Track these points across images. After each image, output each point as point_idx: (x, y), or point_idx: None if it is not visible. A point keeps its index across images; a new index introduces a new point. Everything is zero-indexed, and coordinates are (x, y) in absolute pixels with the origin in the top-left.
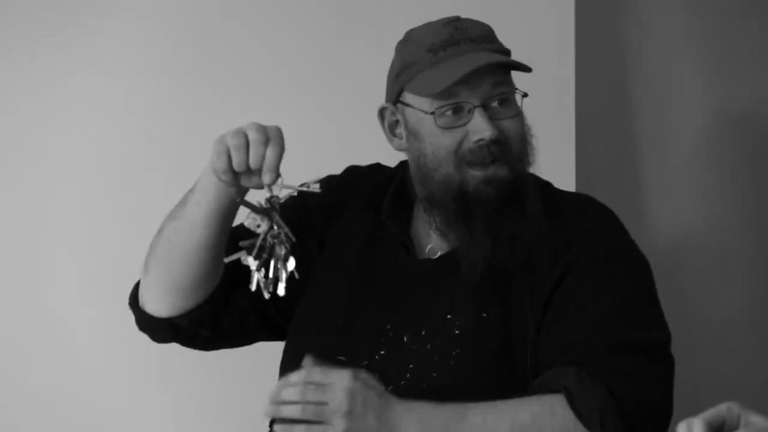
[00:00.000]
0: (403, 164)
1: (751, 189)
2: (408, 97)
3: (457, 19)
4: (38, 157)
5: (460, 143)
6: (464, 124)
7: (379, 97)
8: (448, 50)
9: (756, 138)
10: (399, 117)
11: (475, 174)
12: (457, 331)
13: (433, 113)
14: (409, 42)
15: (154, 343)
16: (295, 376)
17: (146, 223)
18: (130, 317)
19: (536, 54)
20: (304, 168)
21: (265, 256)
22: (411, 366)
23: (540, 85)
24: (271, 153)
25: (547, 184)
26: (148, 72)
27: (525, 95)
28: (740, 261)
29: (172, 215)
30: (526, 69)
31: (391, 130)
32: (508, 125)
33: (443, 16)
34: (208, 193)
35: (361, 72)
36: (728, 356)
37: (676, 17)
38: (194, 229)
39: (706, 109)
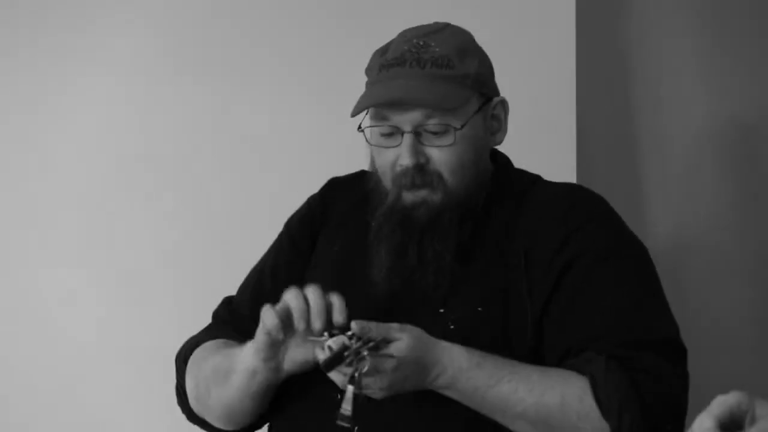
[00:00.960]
0: None
1: (750, 189)
2: None
3: (432, 32)
4: (37, 155)
5: (393, 165)
6: (396, 147)
7: None
8: (391, 71)
9: (756, 138)
10: None
11: (407, 195)
12: (452, 326)
13: (362, 129)
14: (378, 51)
15: (153, 343)
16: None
17: (146, 223)
18: (129, 318)
19: (537, 54)
20: (305, 166)
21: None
22: None
23: (541, 86)
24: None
25: (538, 178)
26: (149, 71)
27: (462, 127)
28: (740, 261)
29: (217, 383)
30: (446, 106)
31: None
32: (438, 154)
33: (444, 17)
34: (247, 382)
35: (362, 72)
36: (728, 356)
37: (676, 17)
38: (243, 403)
39: (707, 109)
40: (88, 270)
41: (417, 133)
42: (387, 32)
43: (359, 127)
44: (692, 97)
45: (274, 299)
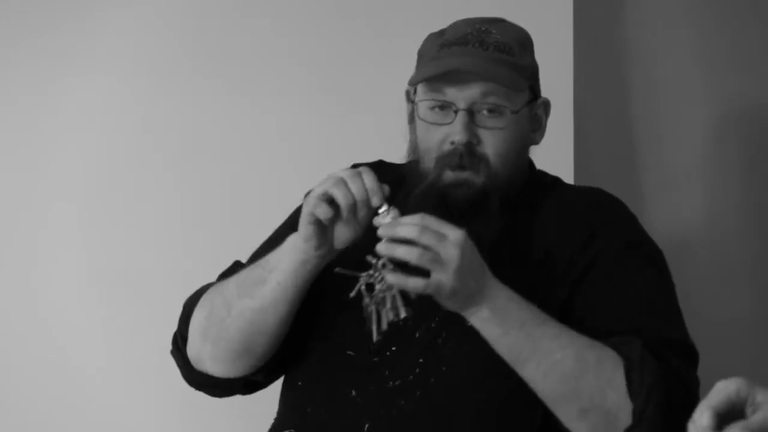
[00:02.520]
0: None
1: (751, 187)
2: (417, 85)
3: (492, 21)
4: (38, 156)
5: (441, 143)
6: (447, 124)
7: (383, 97)
8: (452, 48)
9: (756, 136)
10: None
11: (449, 174)
12: (469, 324)
13: (415, 103)
14: (435, 34)
15: (154, 344)
16: (410, 218)
17: (149, 222)
18: (130, 318)
19: (534, 54)
20: (311, 166)
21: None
22: (420, 360)
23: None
24: (367, 179)
25: (557, 180)
26: (153, 70)
27: (516, 111)
28: (741, 260)
29: (244, 293)
30: (508, 86)
31: (410, 116)
32: (489, 136)
33: (442, 17)
34: (294, 273)
35: (368, 71)
36: (730, 355)
37: (674, 17)
38: (277, 308)
39: (706, 108)
40: (89, 269)
41: (470, 112)
42: (390, 32)
43: (408, 98)
44: (692, 95)
45: None
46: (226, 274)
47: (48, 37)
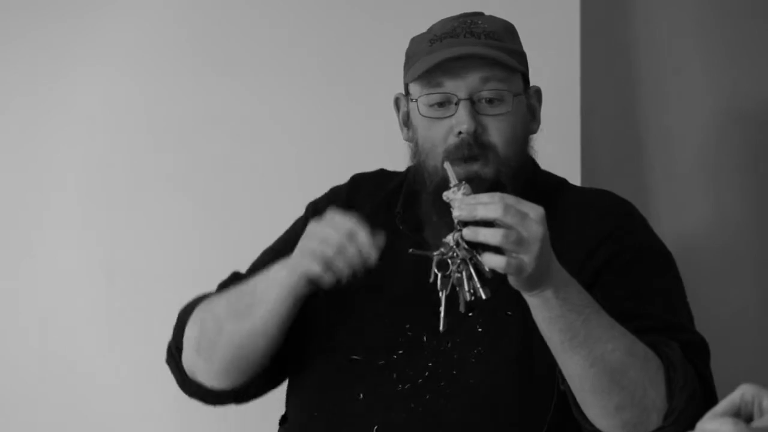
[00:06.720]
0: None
1: (758, 187)
2: (409, 87)
3: (475, 14)
4: (38, 155)
5: (446, 137)
6: (449, 117)
7: (384, 97)
8: (444, 41)
9: (764, 135)
10: (407, 107)
11: (457, 170)
12: (479, 329)
13: (415, 100)
14: (419, 36)
15: (155, 344)
16: (487, 196)
17: (152, 221)
18: (130, 317)
19: (541, 51)
20: (312, 166)
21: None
22: (430, 364)
23: (545, 84)
24: (362, 240)
25: (564, 182)
26: (157, 67)
27: (516, 95)
28: (748, 259)
29: (234, 317)
30: (516, 69)
31: (404, 120)
32: (494, 123)
33: (448, 15)
34: (283, 303)
35: (372, 70)
36: (736, 355)
37: (681, 14)
38: (267, 332)
39: (713, 106)
40: (89, 268)
41: (471, 101)
42: (393, 31)
43: (396, 105)
44: (699, 94)
45: None
46: (224, 285)
47: (48, 36)
